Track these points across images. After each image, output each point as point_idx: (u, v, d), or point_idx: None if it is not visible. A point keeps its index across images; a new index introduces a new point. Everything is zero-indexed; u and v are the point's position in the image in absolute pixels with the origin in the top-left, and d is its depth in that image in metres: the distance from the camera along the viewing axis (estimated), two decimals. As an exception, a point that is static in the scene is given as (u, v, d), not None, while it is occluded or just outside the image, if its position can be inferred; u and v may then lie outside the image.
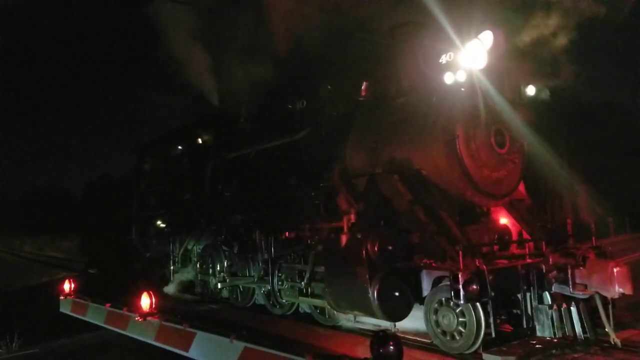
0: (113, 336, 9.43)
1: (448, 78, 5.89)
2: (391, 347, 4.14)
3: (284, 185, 8.26)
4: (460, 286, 4.74)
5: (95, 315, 9.44)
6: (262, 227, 8.39)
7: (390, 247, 5.91)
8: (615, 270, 4.90)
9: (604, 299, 5.22)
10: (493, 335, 5.03)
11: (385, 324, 6.28)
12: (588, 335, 5.15)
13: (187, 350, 6.52)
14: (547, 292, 5.29)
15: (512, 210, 6.51)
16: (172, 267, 11.79)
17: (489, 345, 5.07)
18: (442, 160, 5.91)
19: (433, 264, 5.40)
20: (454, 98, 6.01)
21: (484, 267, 4.92)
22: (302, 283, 7.01)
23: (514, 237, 6.36)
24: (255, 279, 8.43)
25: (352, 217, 6.19)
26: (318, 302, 7.04)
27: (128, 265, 14.43)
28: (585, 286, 5.10)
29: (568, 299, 5.25)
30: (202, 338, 6.34)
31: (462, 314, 5.29)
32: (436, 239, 5.42)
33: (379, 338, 4.25)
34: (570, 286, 5.13)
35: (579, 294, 5.13)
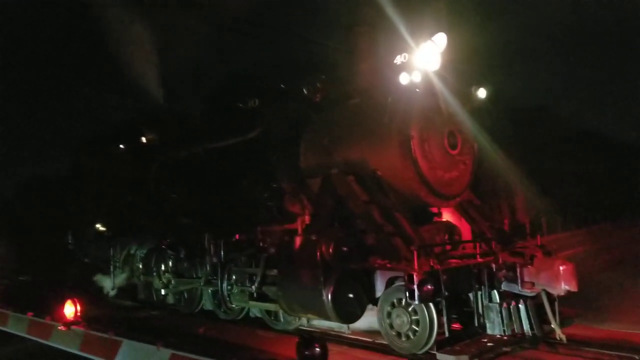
0: (40, 348, 8.83)
1: (403, 78, 5.93)
2: (317, 349, 4.18)
3: (235, 186, 8.04)
4: (415, 286, 4.73)
5: (16, 325, 8.74)
6: (211, 229, 8.12)
7: (345, 249, 5.87)
8: (561, 268, 5.08)
9: (550, 296, 5.40)
10: (446, 334, 5.08)
11: (337, 325, 6.25)
12: (535, 331, 5.31)
13: (112, 360, 6.17)
14: (496, 291, 5.41)
15: (462, 210, 6.64)
16: (112, 273, 11.21)
17: (442, 345, 5.11)
18: (397, 161, 5.93)
19: (388, 265, 5.39)
20: (409, 99, 6.06)
21: (438, 266, 4.95)
22: (253, 287, 6.80)
23: (464, 237, 6.48)
24: (202, 283, 8.14)
25: (307, 218, 6.10)
26: (270, 306, 6.87)
27: (63, 271, 13.59)
28: (533, 284, 5.26)
29: (516, 297, 5.39)
30: (128, 346, 6.02)
31: (415, 314, 5.31)
32: (391, 240, 5.41)
33: (305, 340, 4.29)
34: (519, 284, 5.28)
35: (527, 292, 5.29)
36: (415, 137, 5.93)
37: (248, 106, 8.87)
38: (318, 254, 5.70)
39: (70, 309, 7.18)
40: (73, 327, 7.06)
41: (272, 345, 6.23)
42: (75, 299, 7.32)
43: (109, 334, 6.34)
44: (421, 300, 4.79)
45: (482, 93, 6.65)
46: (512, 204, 10.28)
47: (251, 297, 6.94)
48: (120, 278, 11.03)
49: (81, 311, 7.27)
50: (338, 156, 6.57)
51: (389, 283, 5.80)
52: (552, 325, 5.30)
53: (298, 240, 6.04)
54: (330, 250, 5.73)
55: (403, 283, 5.30)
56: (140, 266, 10.14)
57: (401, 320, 5.47)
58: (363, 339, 6.10)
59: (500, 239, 6.21)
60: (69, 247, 12.84)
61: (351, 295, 5.81)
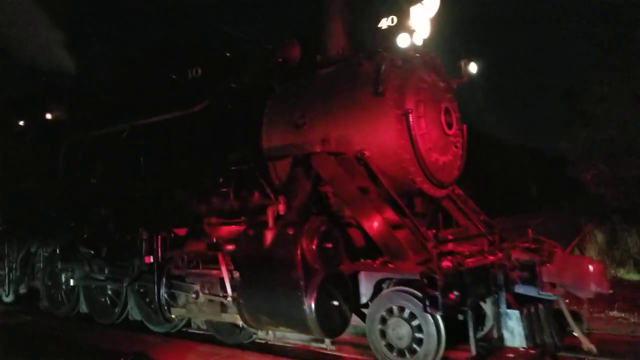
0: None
1: (402, 41, 4.90)
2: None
3: (174, 170, 6.60)
4: (439, 293, 3.75)
5: None
6: (142, 222, 6.60)
7: (329, 245, 4.76)
8: (590, 267, 4.37)
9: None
10: (473, 353, 4.14)
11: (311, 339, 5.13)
12: (556, 341, 4.57)
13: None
14: (511, 295, 4.59)
15: (450, 200, 5.80)
16: (7, 276, 9.18)
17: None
18: (392, 138, 4.92)
19: (390, 265, 4.36)
20: (406, 66, 5.07)
21: (462, 267, 4.02)
22: (229, 297, 5.31)
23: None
24: (126, 284, 6.60)
25: (281, 207, 4.89)
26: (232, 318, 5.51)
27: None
28: (554, 285, 4.50)
29: (532, 301, 4.60)
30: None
31: (419, 327, 4.34)
32: (393, 234, 4.38)
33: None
34: (538, 286, 4.50)
35: (549, 295, 4.52)
36: (413, 112, 4.95)
37: (188, 76, 7.41)
38: (298, 252, 4.54)
39: None
40: None
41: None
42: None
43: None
44: (446, 309, 3.82)
45: (473, 68, 5.83)
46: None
47: (222, 308, 5.50)
48: (18, 282, 9.07)
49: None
50: (313, 134, 5.43)
51: (377, 287, 4.81)
52: (576, 334, 4.59)
53: (269, 235, 4.82)
54: (313, 247, 4.60)
55: (398, 288, 4.38)
56: (45, 271, 8.32)
57: (398, 333, 4.47)
58: (351, 357, 5.03)
59: (494, 233, 5.43)
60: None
61: (336, 303, 4.73)
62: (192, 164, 6.39)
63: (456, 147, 5.63)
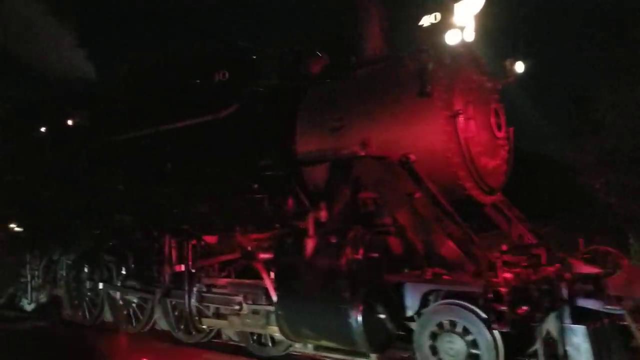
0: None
1: (452, 37, 4.62)
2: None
3: (203, 176, 6.37)
4: (507, 307, 3.44)
5: None
6: (171, 229, 6.36)
7: (374, 255, 4.49)
8: (664, 278, 4.04)
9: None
10: None
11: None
12: (624, 358, 4.23)
13: None
14: (574, 309, 4.25)
15: (496, 208, 5.49)
16: (30, 284, 9.01)
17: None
18: (440, 141, 4.63)
19: (444, 277, 4.06)
20: (454, 65, 4.78)
21: (529, 279, 3.71)
22: (272, 307, 5.03)
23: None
24: (159, 296, 6.36)
25: (322, 214, 4.62)
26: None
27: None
28: (621, 298, 4.17)
29: (596, 316, 4.26)
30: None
31: (474, 342, 4.04)
32: (446, 244, 4.09)
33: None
34: (604, 299, 4.16)
35: (616, 309, 4.19)
36: (463, 113, 4.66)
37: (214, 80, 7.19)
38: (344, 261, 4.27)
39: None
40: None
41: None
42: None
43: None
44: (515, 326, 3.51)
45: (519, 67, 5.52)
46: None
47: (268, 319, 5.23)
48: (40, 290, 8.91)
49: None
50: (350, 137, 5.16)
51: (423, 299, 4.52)
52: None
53: (310, 244, 4.56)
54: (359, 256, 4.33)
55: (451, 301, 4.08)
56: (67, 280, 8.14)
57: (453, 349, 4.17)
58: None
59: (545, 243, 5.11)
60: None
61: (382, 316, 4.44)
62: (223, 169, 6.15)
63: (504, 150, 5.32)
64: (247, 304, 5.46)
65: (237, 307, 5.53)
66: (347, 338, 4.33)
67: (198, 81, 7.29)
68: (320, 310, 4.44)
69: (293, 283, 4.66)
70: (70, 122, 9.42)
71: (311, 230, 4.61)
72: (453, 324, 4.16)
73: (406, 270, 4.69)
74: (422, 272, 4.43)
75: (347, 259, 4.30)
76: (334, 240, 4.41)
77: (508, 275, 3.73)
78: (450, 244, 4.18)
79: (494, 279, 3.62)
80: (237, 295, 5.53)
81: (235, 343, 6.14)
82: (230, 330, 5.98)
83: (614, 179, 11.18)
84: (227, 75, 6.99)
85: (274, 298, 5.03)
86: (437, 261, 4.19)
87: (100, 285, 7.09)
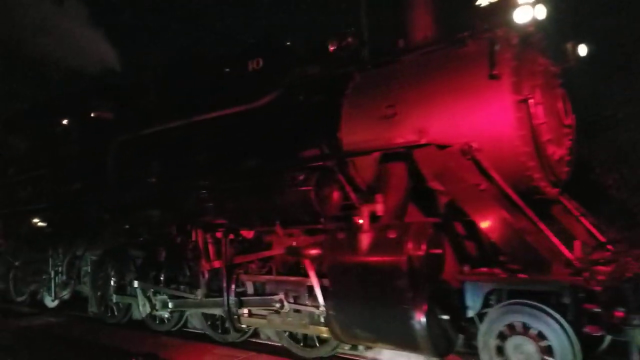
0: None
1: (522, 14, 4.25)
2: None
3: (241, 167, 6.06)
4: (602, 310, 3.08)
5: None
6: (207, 224, 6.06)
7: (438, 251, 4.14)
8: None
9: None
10: None
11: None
12: None
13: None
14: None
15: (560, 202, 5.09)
16: (53, 280, 8.79)
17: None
18: (509, 128, 4.26)
19: (519, 275, 3.70)
20: (523, 47, 4.41)
21: (622, 277, 3.34)
22: (321, 308, 4.75)
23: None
24: (200, 297, 6.04)
25: (379, 207, 4.28)
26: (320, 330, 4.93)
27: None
28: None
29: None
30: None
31: (549, 348, 3.68)
32: (525, 240, 3.73)
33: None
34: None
35: None
36: (532, 98, 4.29)
37: (248, 69, 6.87)
38: (404, 258, 3.93)
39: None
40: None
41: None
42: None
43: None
44: (611, 330, 3.16)
45: (582, 50, 5.12)
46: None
47: (312, 319, 4.92)
48: (63, 287, 8.69)
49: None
50: (405, 126, 4.81)
51: (487, 298, 4.17)
52: None
53: (365, 239, 4.22)
54: (421, 253, 3.98)
55: (522, 301, 3.73)
56: (93, 276, 7.92)
57: (524, 352, 3.82)
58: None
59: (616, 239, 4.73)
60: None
61: (446, 317, 4.10)
62: (262, 160, 5.84)
63: (569, 139, 4.94)
64: (288, 302, 5.15)
65: (277, 306, 5.22)
66: (408, 341, 3.99)
67: (227, 70, 7.02)
68: (376, 311, 4.11)
69: (347, 281, 4.33)
70: (94, 115, 9.19)
71: (366, 225, 4.27)
72: (526, 327, 3.82)
73: (466, 268, 4.35)
74: (490, 270, 4.09)
75: (409, 255, 3.96)
76: (393, 236, 4.07)
77: (603, 270, 3.36)
78: (525, 239, 3.82)
79: (585, 277, 3.26)
80: (278, 293, 5.22)
81: (274, 343, 5.85)
82: (269, 329, 5.68)
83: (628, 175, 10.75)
84: (261, 63, 6.68)
85: (320, 297, 4.71)
86: (516, 259, 3.82)
87: (135, 284, 6.79)
